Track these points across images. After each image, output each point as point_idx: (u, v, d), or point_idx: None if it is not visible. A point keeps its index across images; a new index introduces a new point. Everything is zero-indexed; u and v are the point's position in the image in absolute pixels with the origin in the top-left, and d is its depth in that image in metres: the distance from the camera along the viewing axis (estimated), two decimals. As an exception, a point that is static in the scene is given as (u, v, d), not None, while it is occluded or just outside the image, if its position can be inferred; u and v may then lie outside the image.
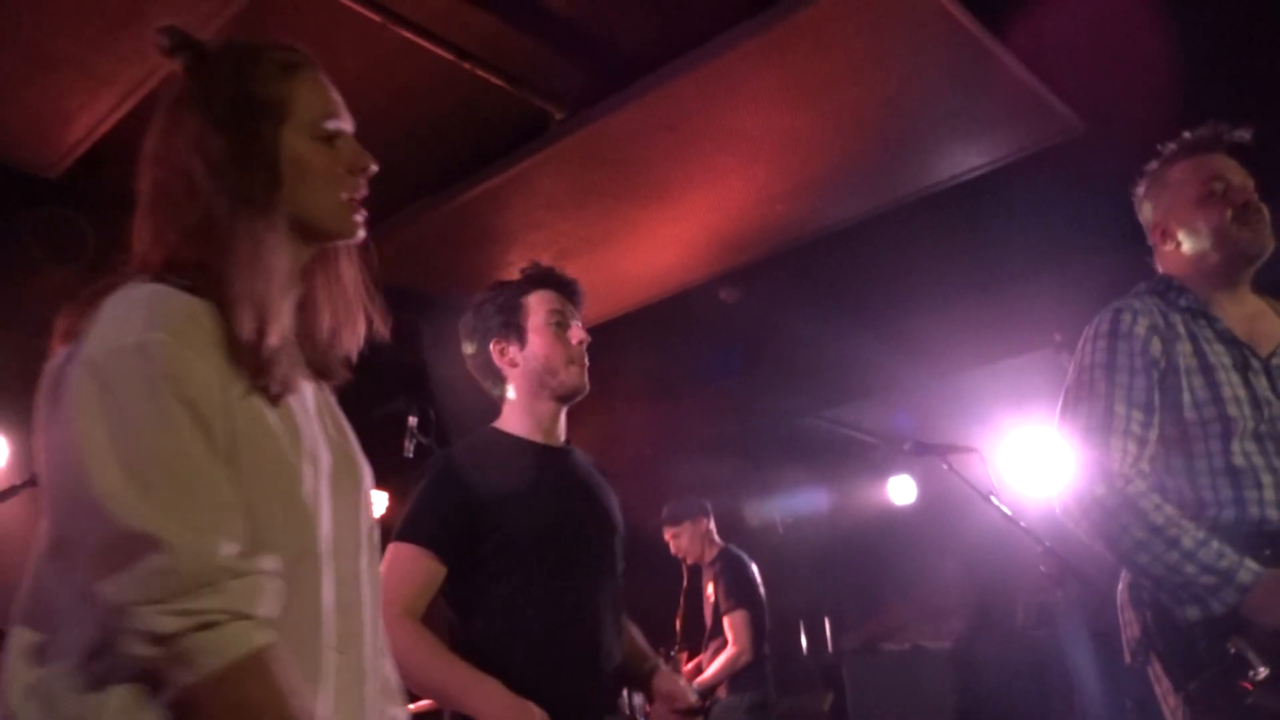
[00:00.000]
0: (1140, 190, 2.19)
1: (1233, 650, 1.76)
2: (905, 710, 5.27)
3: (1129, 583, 1.96)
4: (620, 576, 2.11)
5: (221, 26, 2.84)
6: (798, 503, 6.21)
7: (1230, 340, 1.99)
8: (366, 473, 1.28)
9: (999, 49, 2.88)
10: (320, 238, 1.26)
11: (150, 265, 1.15)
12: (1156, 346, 1.97)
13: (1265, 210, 2.01)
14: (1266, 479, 1.88)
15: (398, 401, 4.80)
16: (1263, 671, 1.70)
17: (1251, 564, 1.77)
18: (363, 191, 1.26)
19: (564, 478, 2.07)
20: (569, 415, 2.14)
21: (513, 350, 2.09)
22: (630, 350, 4.81)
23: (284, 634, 1.06)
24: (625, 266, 4.09)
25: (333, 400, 1.30)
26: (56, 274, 3.41)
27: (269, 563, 1.06)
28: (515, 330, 2.09)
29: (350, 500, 1.22)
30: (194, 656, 0.98)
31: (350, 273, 1.31)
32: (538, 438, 2.08)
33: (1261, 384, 1.95)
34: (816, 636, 5.96)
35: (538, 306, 2.10)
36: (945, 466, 2.94)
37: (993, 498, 2.80)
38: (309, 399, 1.22)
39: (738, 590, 4.30)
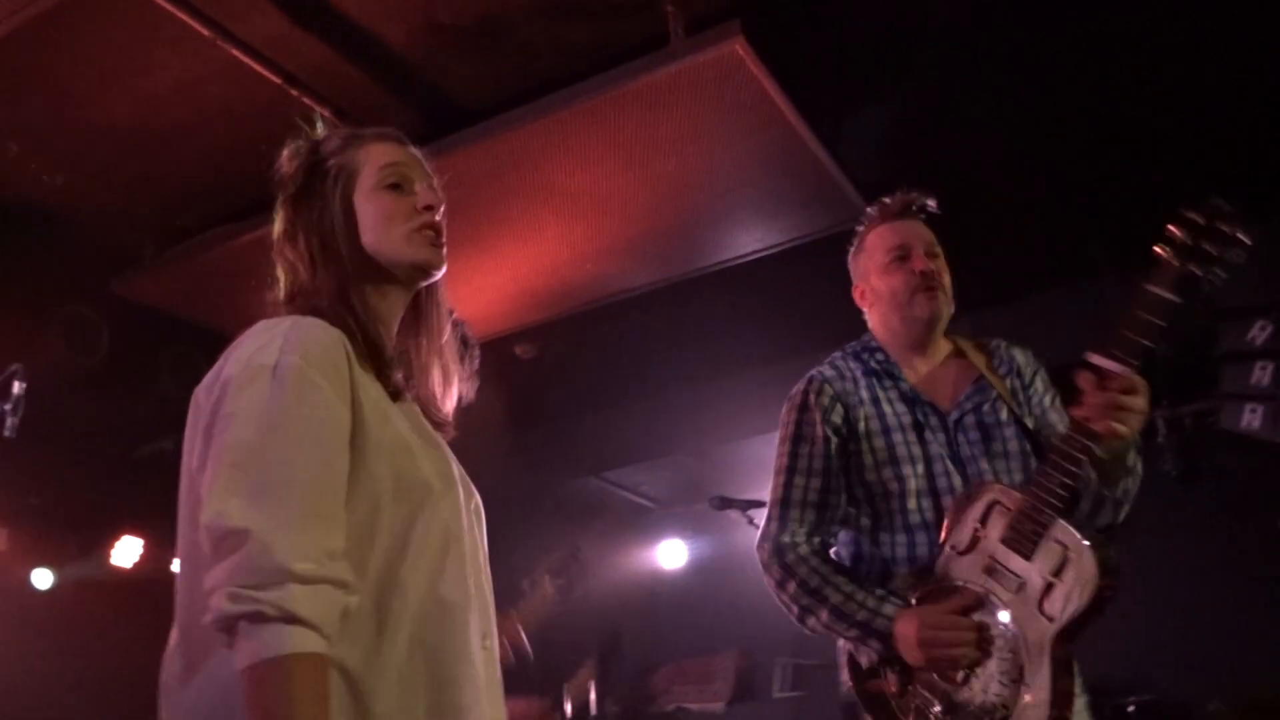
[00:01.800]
0: (849, 254, 2.37)
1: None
2: (666, 772, 5.36)
3: (843, 646, 2.10)
4: None
5: (25, 22, 2.66)
6: (569, 563, 6.23)
7: (912, 400, 2.15)
8: (480, 504, 1.43)
9: (809, 136, 3.12)
10: (403, 272, 1.41)
11: (284, 306, 1.37)
12: (839, 414, 2.13)
13: (946, 277, 2.20)
14: (935, 536, 2.03)
15: (164, 440, 4.50)
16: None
17: (888, 607, 1.96)
18: (435, 220, 1.42)
19: None
20: None
21: None
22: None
23: (443, 615, 1.22)
24: (427, 314, 4.05)
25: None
26: None
27: (347, 575, 1.14)
28: None
29: (474, 522, 1.38)
30: (245, 644, 1.07)
31: (450, 339, 1.49)
32: None
33: (938, 441, 2.10)
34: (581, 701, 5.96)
35: None
36: (747, 521, 3.10)
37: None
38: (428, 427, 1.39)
39: None
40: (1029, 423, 2.15)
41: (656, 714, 5.67)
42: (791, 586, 2.05)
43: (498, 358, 4.55)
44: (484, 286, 3.83)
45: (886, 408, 2.13)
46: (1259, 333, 3.61)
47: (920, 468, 2.07)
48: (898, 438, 2.10)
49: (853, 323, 4.53)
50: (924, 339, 2.20)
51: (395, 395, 1.32)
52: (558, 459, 5.39)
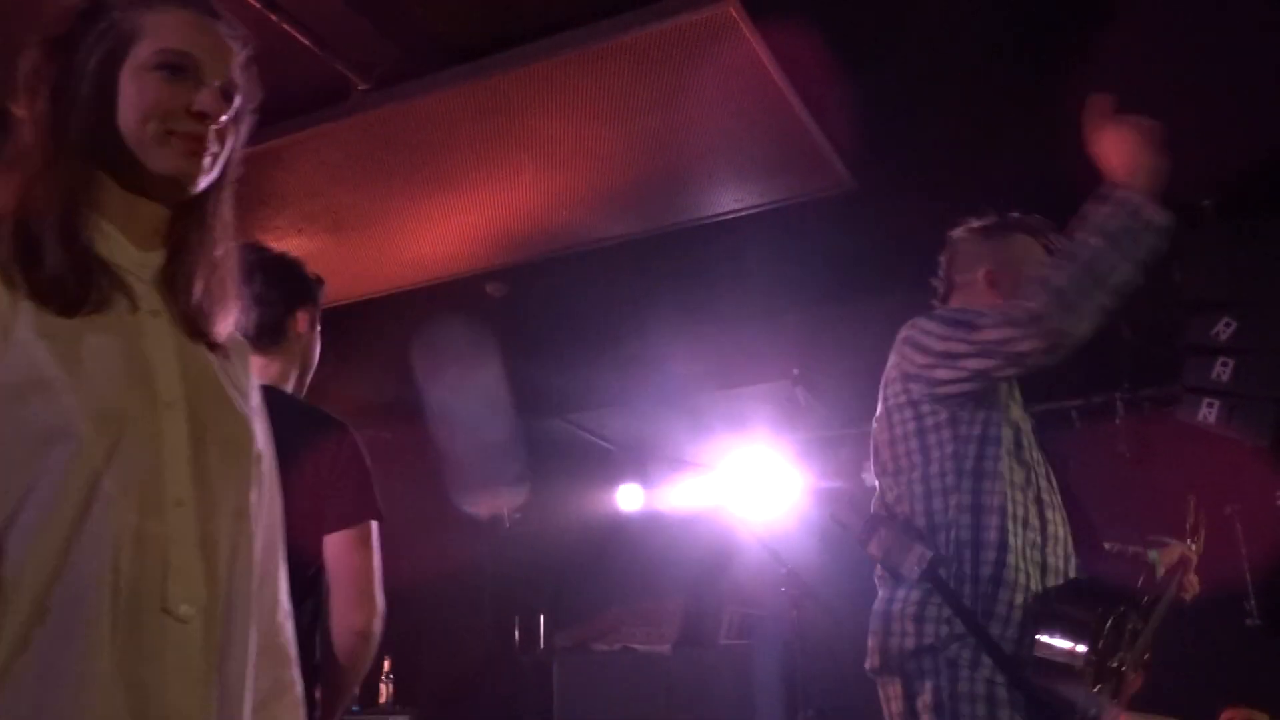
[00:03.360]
0: (973, 229, 2.45)
1: None
2: (610, 708, 5.47)
3: (917, 600, 2.07)
4: None
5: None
6: (528, 498, 6.28)
7: None
8: (245, 434, 1.21)
9: (797, 102, 3.08)
10: (149, 180, 1.19)
11: None
12: None
13: None
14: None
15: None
16: None
17: None
18: (194, 130, 1.18)
19: None
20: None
21: (315, 332, 2.19)
22: (386, 330, 4.73)
23: (70, 604, 0.99)
24: (399, 248, 4.01)
25: (221, 363, 1.23)
26: None
27: None
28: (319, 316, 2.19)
29: (220, 459, 1.15)
30: None
31: (224, 248, 1.25)
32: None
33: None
34: (531, 632, 6.06)
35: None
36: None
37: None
38: (162, 346, 1.16)
39: None
40: None
41: (604, 651, 5.77)
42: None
43: (466, 294, 4.53)
44: (457, 225, 3.79)
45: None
46: (1223, 329, 3.65)
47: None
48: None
49: (826, 285, 4.51)
50: None
51: (69, 310, 1.08)
52: (523, 397, 5.39)
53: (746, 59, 2.86)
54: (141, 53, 1.17)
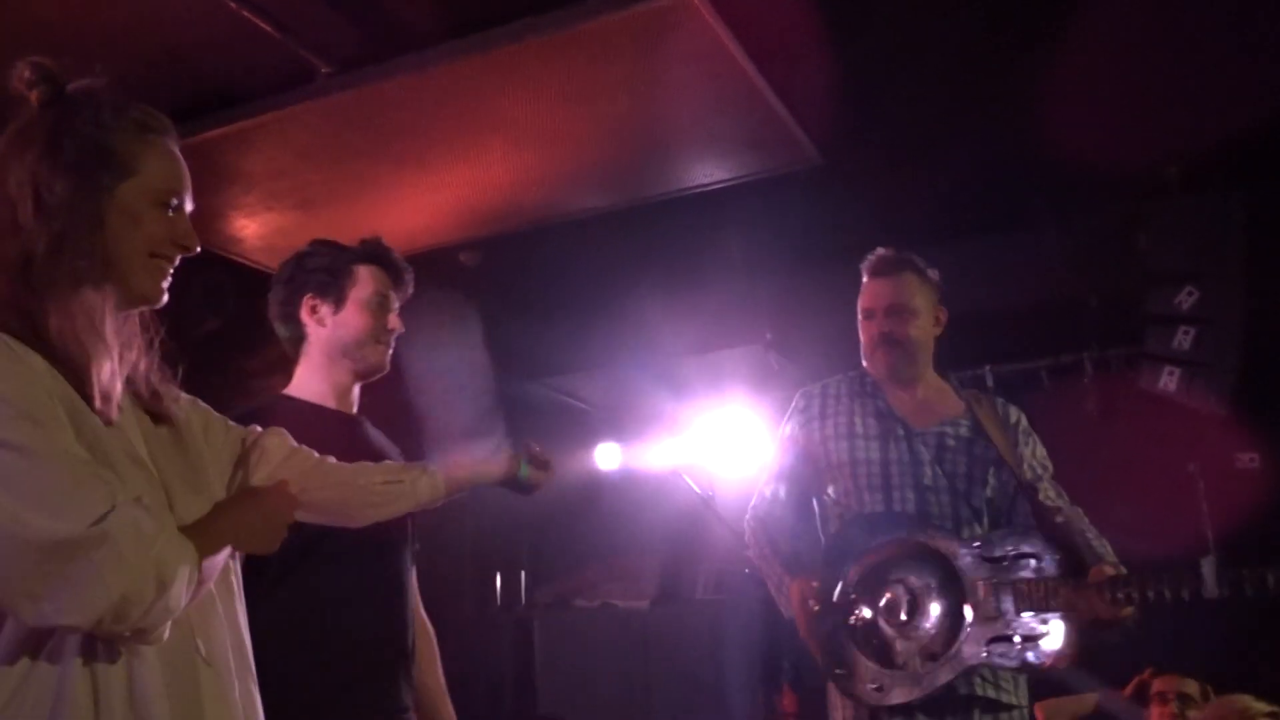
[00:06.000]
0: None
1: None
2: (590, 663, 5.60)
3: None
4: (414, 557, 2.14)
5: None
6: (506, 459, 6.32)
7: (884, 415, 2.58)
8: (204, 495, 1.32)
9: (762, 83, 3.08)
10: (127, 296, 1.28)
11: None
12: (798, 422, 2.70)
13: (899, 338, 2.58)
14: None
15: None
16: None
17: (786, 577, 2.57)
18: (174, 256, 1.32)
19: (360, 447, 2.06)
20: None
21: (325, 310, 2.10)
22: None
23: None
24: (369, 223, 3.97)
25: (175, 435, 1.35)
26: None
27: None
28: (336, 293, 2.09)
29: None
30: None
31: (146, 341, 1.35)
32: (331, 404, 2.08)
33: (900, 449, 2.53)
34: (512, 589, 6.16)
35: (367, 280, 2.13)
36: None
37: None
38: (134, 441, 1.26)
39: None
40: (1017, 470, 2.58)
41: (584, 608, 5.88)
42: (757, 543, 2.75)
43: (439, 263, 4.53)
44: (423, 203, 3.80)
45: (857, 420, 2.60)
46: (1185, 298, 3.70)
47: (876, 469, 2.53)
48: (860, 443, 2.57)
49: (797, 253, 4.53)
50: (898, 377, 2.63)
51: (107, 422, 1.21)
52: (499, 361, 5.42)
53: (709, 43, 2.85)
54: (145, 185, 1.26)
